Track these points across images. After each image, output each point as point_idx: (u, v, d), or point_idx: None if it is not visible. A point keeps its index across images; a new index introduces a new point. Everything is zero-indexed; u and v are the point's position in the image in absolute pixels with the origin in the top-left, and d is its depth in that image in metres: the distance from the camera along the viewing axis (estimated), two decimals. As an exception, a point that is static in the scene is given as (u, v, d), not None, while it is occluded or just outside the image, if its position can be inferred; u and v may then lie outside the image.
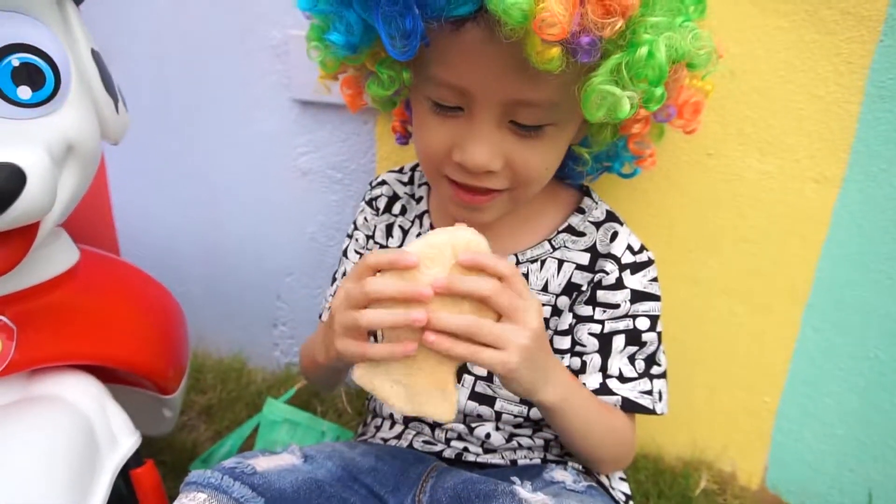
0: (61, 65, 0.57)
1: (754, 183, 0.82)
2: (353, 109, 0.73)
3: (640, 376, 0.68)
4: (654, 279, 0.71)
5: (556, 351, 0.70)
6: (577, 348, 0.69)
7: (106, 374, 0.70)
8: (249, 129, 1.08)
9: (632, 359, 0.69)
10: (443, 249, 0.53)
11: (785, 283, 0.86)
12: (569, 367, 0.69)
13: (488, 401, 0.71)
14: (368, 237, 0.82)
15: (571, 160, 0.70)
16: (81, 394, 0.62)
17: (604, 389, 0.67)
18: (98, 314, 0.68)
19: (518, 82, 0.54)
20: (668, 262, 0.89)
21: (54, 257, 0.65)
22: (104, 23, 1.11)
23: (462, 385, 0.72)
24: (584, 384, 0.68)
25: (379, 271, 0.54)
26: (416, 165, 0.82)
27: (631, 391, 0.67)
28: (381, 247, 0.81)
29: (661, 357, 0.71)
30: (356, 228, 0.83)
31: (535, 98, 0.55)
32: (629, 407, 0.67)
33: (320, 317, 0.85)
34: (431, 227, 0.76)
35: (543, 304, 0.70)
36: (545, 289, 0.71)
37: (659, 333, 0.70)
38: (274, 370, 1.24)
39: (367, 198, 0.83)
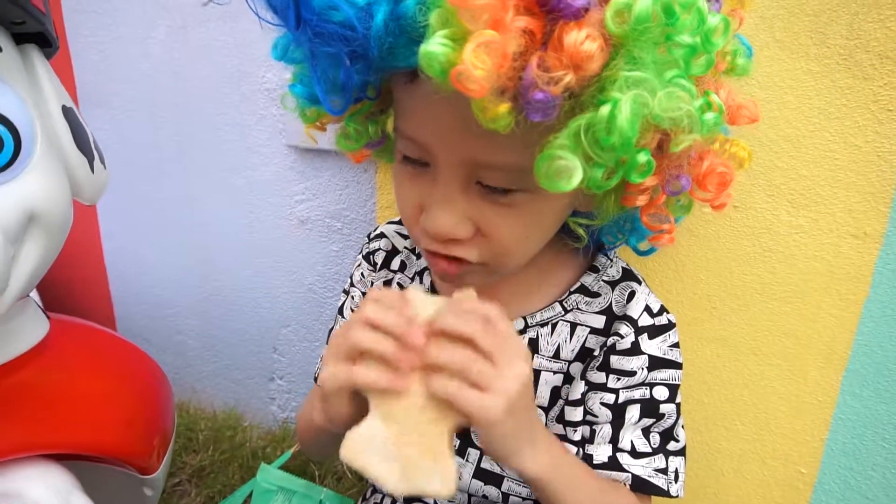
0: (22, 127, 0.52)
1: (785, 237, 0.76)
2: (355, 161, 0.68)
3: (655, 452, 0.61)
4: (675, 345, 0.64)
5: (568, 423, 0.63)
6: (588, 418, 0.63)
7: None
8: (245, 176, 1.04)
9: (646, 432, 0.62)
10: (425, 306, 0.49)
11: (821, 346, 0.78)
12: (581, 439, 0.63)
13: (495, 480, 0.65)
14: (365, 294, 0.76)
15: (566, 233, 0.63)
16: (44, 489, 0.56)
17: (613, 464, 0.60)
18: (68, 395, 0.62)
19: (476, 141, 0.47)
20: (691, 321, 0.83)
21: (18, 333, 0.60)
22: (95, 67, 1.07)
23: (467, 460, 0.65)
24: (591, 455, 0.61)
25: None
26: (418, 218, 0.77)
27: (644, 468, 0.60)
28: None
29: (680, 432, 0.64)
30: (352, 284, 0.77)
31: (497, 161, 0.48)
32: (640, 486, 0.60)
33: (315, 379, 0.79)
34: (432, 284, 0.71)
35: (555, 372, 0.64)
36: (556, 355, 0.64)
37: (678, 405, 0.63)
38: (270, 427, 1.18)
39: (364, 252, 0.78)
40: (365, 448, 0.49)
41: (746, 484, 0.88)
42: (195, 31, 0.99)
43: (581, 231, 0.60)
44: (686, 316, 0.83)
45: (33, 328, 0.62)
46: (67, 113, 0.60)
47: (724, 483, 0.89)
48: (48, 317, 0.66)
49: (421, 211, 0.54)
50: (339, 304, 0.79)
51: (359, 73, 0.46)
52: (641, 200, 0.52)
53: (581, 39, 0.38)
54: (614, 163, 0.43)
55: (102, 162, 0.66)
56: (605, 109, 0.40)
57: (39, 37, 0.58)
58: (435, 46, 0.39)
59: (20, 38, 0.57)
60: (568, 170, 0.42)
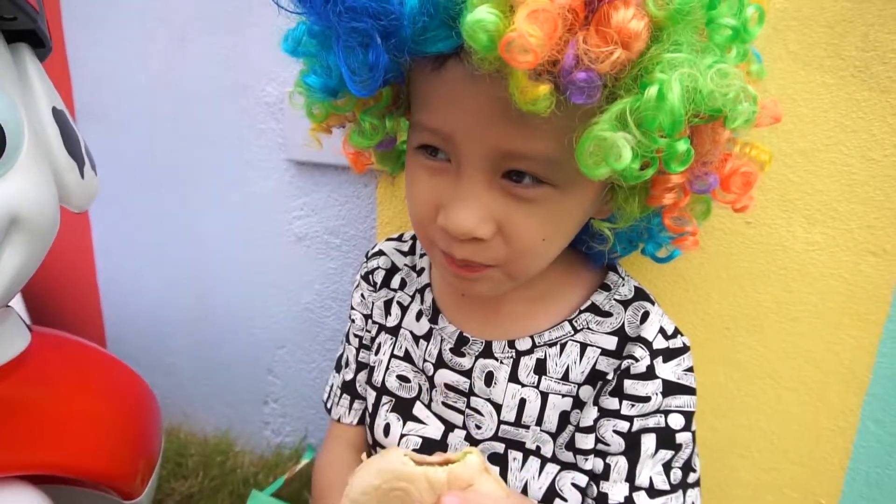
0: (8, 126, 0.50)
1: (801, 254, 0.73)
2: (357, 170, 0.66)
3: (674, 489, 0.58)
4: (690, 369, 0.61)
5: (579, 451, 0.60)
6: (600, 447, 0.59)
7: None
8: (242, 191, 1.01)
9: (667, 467, 0.58)
10: (418, 485, 0.45)
11: (840, 368, 0.75)
12: (591, 470, 0.59)
13: None
14: (366, 317, 0.73)
15: (590, 237, 0.61)
16: (17, 513, 0.52)
17: None
18: (48, 412, 0.59)
19: (506, 128, 0.45)
20: (703, 343, 0.80)
21: (-4, 345, 0.56)
22: (94, 80, 1.06)
23: None
24: (606, 493, 0.58)
25: None
26: (418, 232, 0.74)
27: None
28: (380, 327, 0.72)
29: (696, 461, 0.60)
30: (353, 308, 0.75)
31: (527, 150, 0.46)
32: None
33: (329, 410, 0.75)
34: (434, 302, 0.67)
35: (563, 395, 0.61)
36: (566, 377, 0.61)
37: (693, 433, 0.60)
38: (263, 452, 1.13)
39: (363, 272, 0.75)
40: None
41: (762, 516, 0.84)
42: (194, 44, 0.97)
43: (606, 231, 0.58)
44: (698, 337, 0.79)
45: (12, 340, 0.59)
46: (58, 115, 0.57)
47: (739, 514, 0.85)
48: (31, 329, 0.62)
49: (437, 210, 0.52)
50: (346, 330, 0.76)
51: (389, 52, 0.44)
52: (668, 199, 0.50)
53: (629, 17, 0.38)
54: (654, 150, 0.42)
55: (93, 168, 0.63)
56: (652, 90, 0.39)
57: (32, 35, 0.56)
58: (483, 14, 0.38)
59: (11, 37, 0.55)
60: (617, 149, 0.40)
